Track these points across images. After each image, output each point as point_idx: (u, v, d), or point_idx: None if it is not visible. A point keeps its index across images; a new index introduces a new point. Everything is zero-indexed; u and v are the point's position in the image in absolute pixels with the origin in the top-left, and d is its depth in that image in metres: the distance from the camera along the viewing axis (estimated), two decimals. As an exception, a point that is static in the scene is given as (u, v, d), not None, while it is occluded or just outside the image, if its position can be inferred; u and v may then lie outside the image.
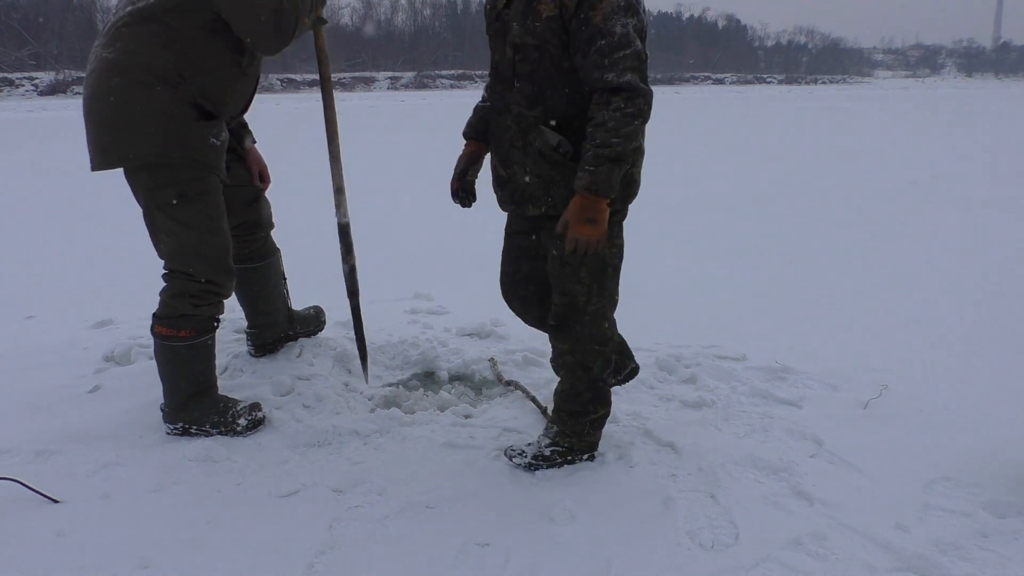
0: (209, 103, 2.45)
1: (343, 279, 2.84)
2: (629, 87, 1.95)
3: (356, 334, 2.93)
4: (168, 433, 2.61)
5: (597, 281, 2.22)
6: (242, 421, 2.61)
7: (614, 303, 2.33)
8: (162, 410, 2.63)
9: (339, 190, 2.75)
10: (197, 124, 2.41)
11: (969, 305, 4.10)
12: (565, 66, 2.06)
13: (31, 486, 2.24)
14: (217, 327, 2.64)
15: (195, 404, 2.60)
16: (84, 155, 2.47)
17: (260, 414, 2.65)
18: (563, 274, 2.21)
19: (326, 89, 2.69)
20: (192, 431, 2.60)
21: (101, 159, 2.39)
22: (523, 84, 2.11)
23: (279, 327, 3.13)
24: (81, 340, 3.50)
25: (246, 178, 2.87)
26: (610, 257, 2.23)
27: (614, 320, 2.38)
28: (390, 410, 2.75)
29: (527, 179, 2.17)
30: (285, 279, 3.13)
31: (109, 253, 5.31)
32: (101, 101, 2.35)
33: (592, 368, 2.32)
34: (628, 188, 2.19)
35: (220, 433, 2.59)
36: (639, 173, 2.21)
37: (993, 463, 2.40)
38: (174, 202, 2.44)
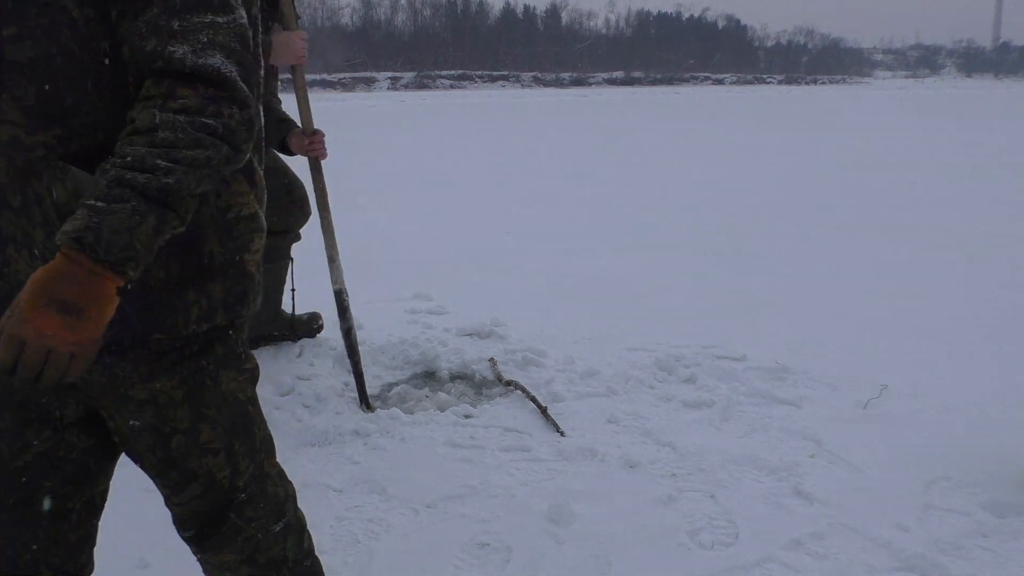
0: None
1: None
2: (217, 77, 1.00)
3: (357, 386, 2.91)
4: None
5: (238, 437, 1.29)
6: None
7: (270, 446, 1.41)
8: None
9: (331, 259, 2.89)
10: None
11: (969, 305, 4.10)
12: (104, 47, 1.06)
13: (31, 486, 2.24)
14: None
15: None
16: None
17: None
18: (175, 450, 1.23)
19: (315, 168, 2.86)
20: None
21: None
22: (20, 84, 1.05)
23: (255, 328, 3.19)
24: (81, 340, 3.50)
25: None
26: (244, 392, 1.30)
27: (279, 469, 1.45)
28: (390, 410, 2.75)
29: (36, 267, 1.03)
30: (294, 290, 3.19)
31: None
32: None
33: (286, 558, 1.41)
34: (244, 281, 1.20)
35: None
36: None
37: (993, 463, 2.40)
38: None
